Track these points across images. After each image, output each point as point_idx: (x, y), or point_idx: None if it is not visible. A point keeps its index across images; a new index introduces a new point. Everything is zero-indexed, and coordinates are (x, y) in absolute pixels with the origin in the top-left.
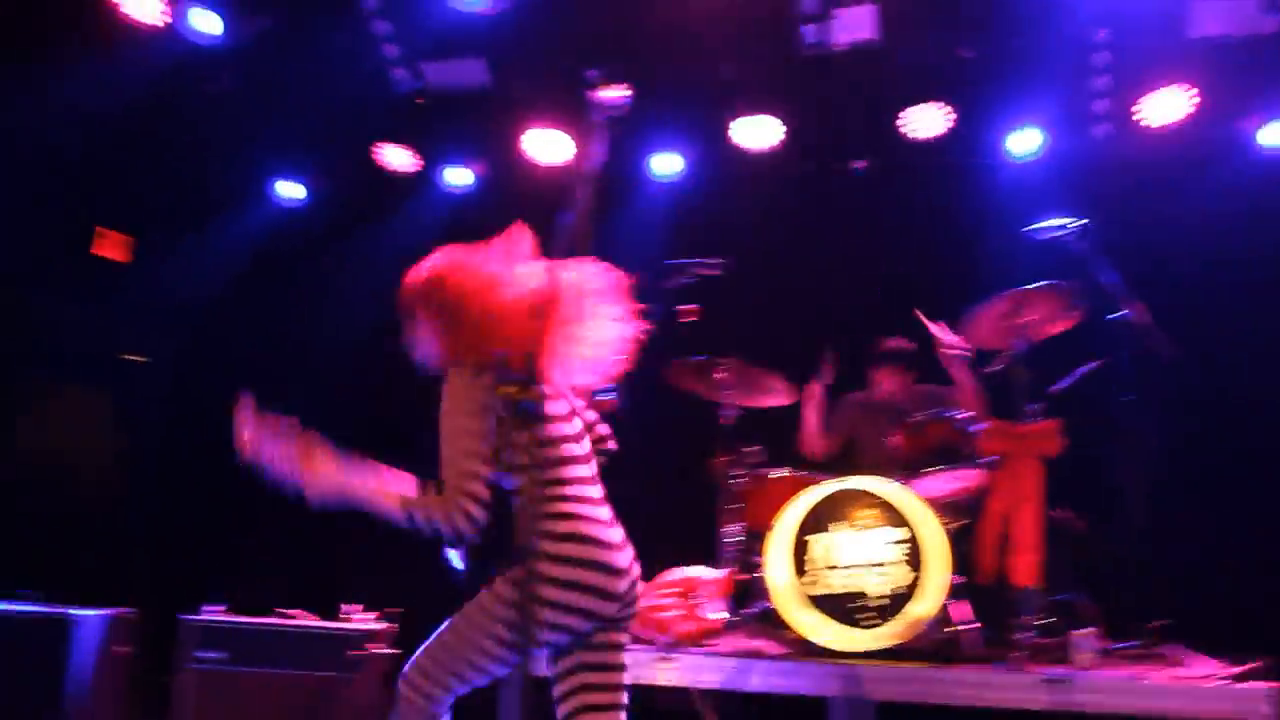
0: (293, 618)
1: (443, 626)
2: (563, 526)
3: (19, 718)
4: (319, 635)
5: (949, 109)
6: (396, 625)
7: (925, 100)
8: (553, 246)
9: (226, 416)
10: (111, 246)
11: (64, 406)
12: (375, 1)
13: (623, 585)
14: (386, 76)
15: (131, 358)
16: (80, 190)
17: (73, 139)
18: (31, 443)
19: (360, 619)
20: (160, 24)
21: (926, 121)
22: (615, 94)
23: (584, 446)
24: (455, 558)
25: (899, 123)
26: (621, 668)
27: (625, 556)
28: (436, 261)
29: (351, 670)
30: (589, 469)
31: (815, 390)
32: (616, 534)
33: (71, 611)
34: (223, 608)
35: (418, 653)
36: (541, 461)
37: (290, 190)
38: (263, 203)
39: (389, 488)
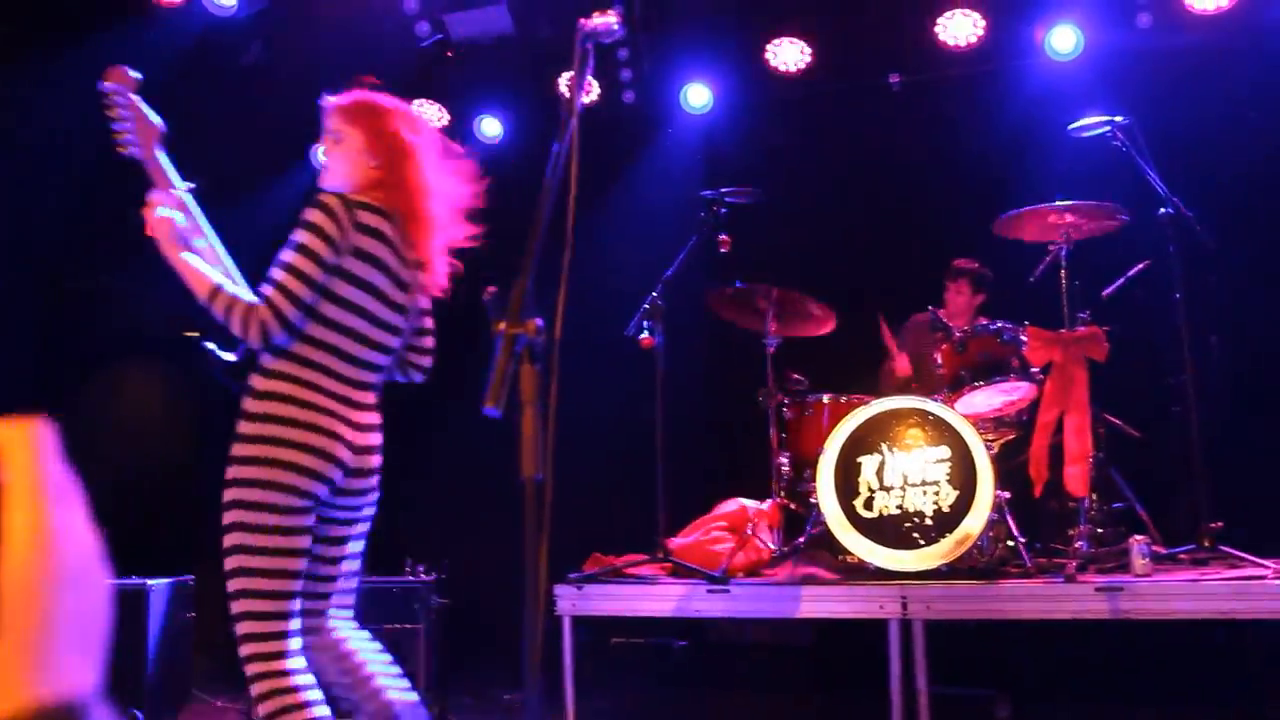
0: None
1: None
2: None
3: (106, 685)
4: (380, 590)
5: (980, 14)
6: (447, 576)
7: (957, 6)
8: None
9: None
10: None
11: (131, 383)
12: None
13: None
14: (410, 31)
15: (190, 334)
16: (126, 172)
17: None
18: (102, 419)
19: (419, 572)
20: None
21: (960, 28)
22: (603, 20)
23: (383, 336)
24: (219, 350)
25: (934, 31)
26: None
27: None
28: (387, 101)
29: (414, 622)
30: (369, 356)
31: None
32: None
33: (146, 581)
34: None
35: (238, 629)
36: (323, 319)
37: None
38: (304, 169)
39: (210, 273)
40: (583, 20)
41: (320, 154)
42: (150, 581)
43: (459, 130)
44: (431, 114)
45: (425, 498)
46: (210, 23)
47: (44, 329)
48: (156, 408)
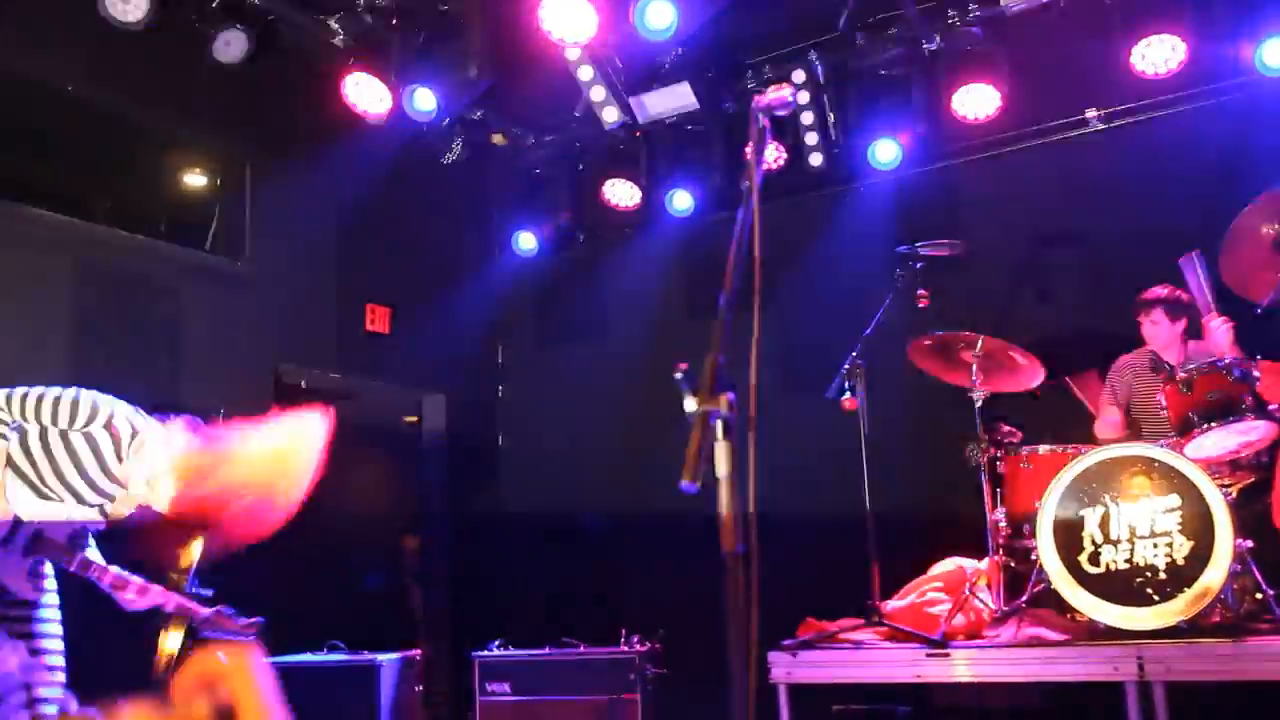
0: (572, 646)
1: None
2: None
3: None
4: (596, 661)
5: (1180, 37)
6: (662, 647)
7: (1153, 32)
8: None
9: (494, 463)
10: (377, 320)
11: (352, 472)
12: (577, 49)
13: None
14: (598, 117)
15: (408, 420)
16: (345, 272)
17: (332, 228)
18: (330, 508)
19: (632, 642)
20: (386, 111)
21: (1159, 55)
22: (777, 95)
23: None
24: None
25: (1130, 61)
26: None
27: None
28: None
29: (630, 692)
30: None
31: (1085, 377)
32: None
33: (376, 657)
34: (501, 642)
35: None
36: None
37: (527, 242)
38: (506, 257)
39: None
40: (758, 96)
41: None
42: (380, 657)
43: (651, 206)
44: (624, 192)
45: (640, 570)
46: (414, 128)
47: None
48: (382, 491)
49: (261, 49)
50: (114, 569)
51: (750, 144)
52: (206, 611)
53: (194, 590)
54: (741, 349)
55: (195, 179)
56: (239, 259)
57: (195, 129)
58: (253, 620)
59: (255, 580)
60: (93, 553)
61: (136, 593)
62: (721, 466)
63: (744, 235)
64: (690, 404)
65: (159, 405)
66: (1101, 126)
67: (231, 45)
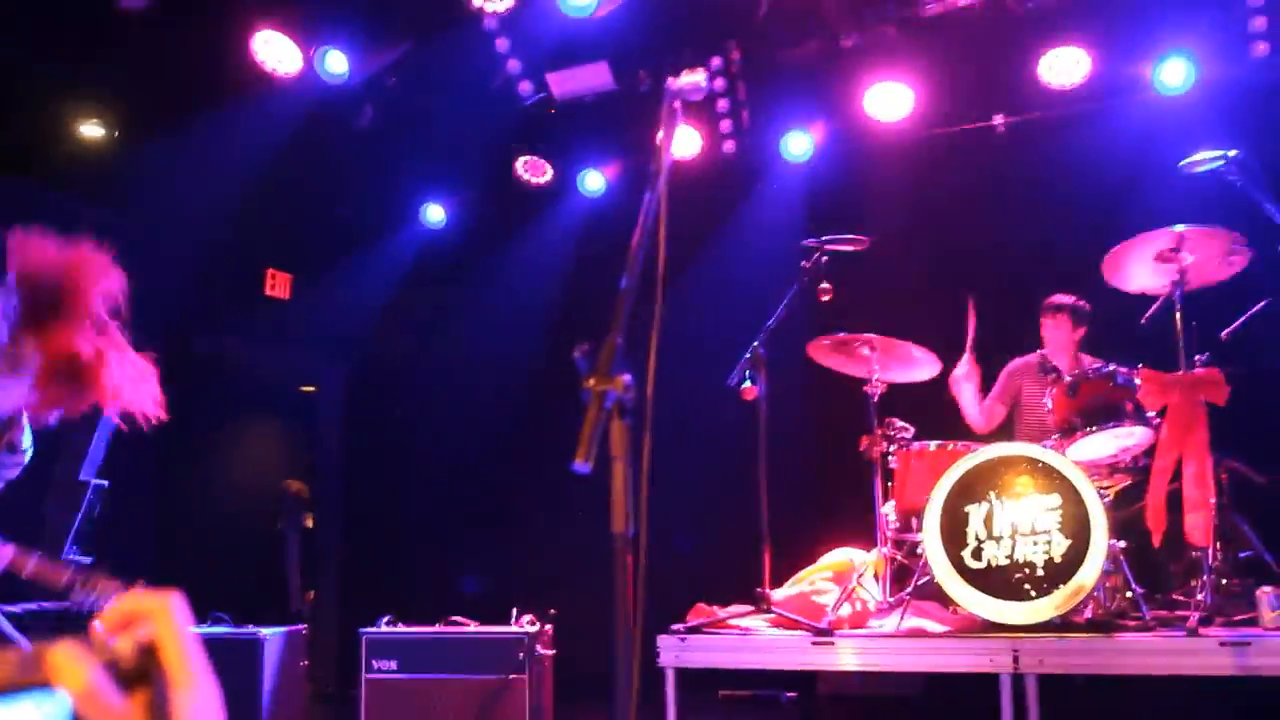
0: (462, 625)
1: None
2: None
3: None
4: (486, 640)
5: (1086, 51)
6: (552, 626)
7: (1061, 44)
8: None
9: (394, 438)
10: (277, 285)
11: (244, 439)
12: (494, 21)
13: None
14: (514, 91)
15: (305, 389)
16: (244, 236)
17: (232, 189)
18: (218, 475)
19: (523, 622)
20: (296, 71)
21: (1065, 66)
22: (691, 79)
23: None
24: None
25: (1037, 71)
26: None
27: None
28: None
29: (519, 672)
30: None
31: (965, 364)
32: None
33: (260, 631)
34: (390, 619)
35: None
36: None
37: (435, 213)
38: (411, 227)
39: None
40: (670, 80)
41: None
42: (264, 631)
43: (562, 184)
44: (536, 168)
45: (532, 549)
46: (326, 90)
47: (175, 388)
48: (274, 461)
49: None
50: None
51: (661, 127)
52: (68, 576)
53: (70, 557)
54: (643, 332)
55: (90, 129)
56: (130, 213)
57: (93, 77)
58: (127, 583)
59: (138, 548)
60: None
61: None
62: (615, 448)
63: (649, 218)
64: (587, 383)
65: None
66: (1006, 132)
67: None
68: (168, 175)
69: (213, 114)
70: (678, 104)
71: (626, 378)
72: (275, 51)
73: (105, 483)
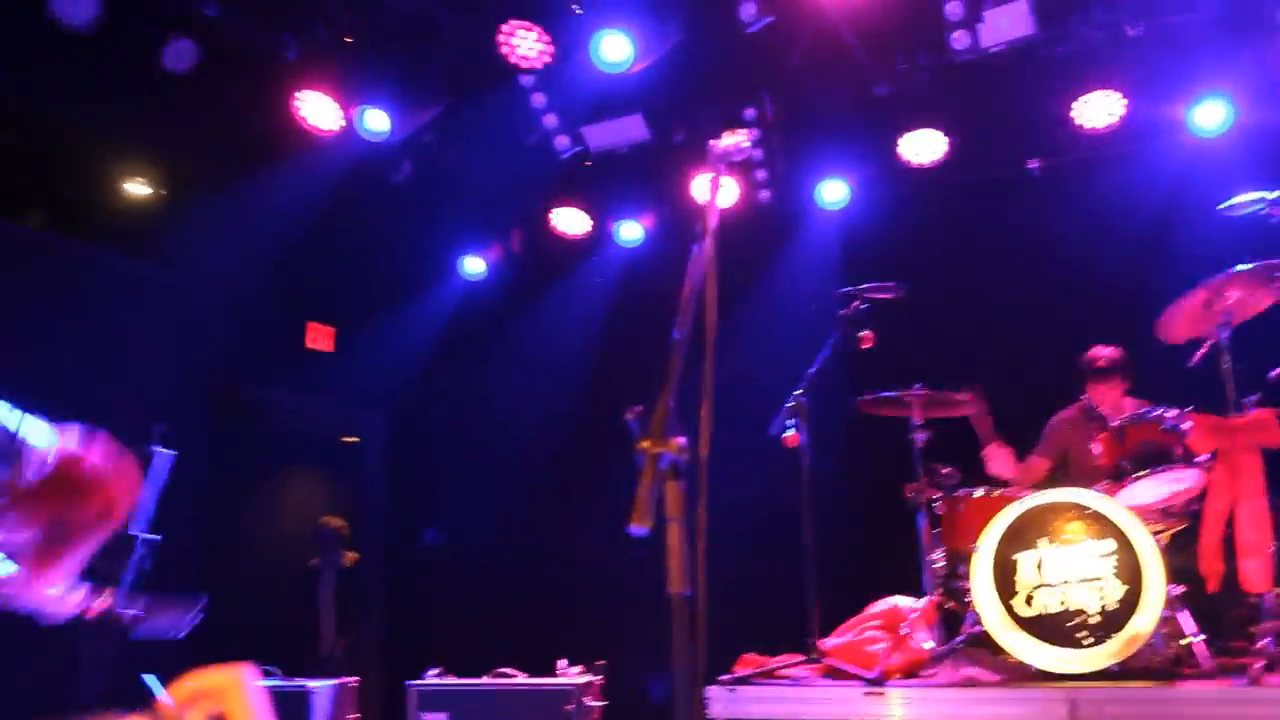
0: (510, 677)
1: None
2: None
3: None
4: (535, 692)
5: (1120, 94)
6: (603, 678)
7: (1095, 88)
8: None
9: (437, 487)
10: (319, 338)
11: (288, 490)
12: (531, 78)
13: None
14: (550, 145)
15: (347, 439)
16: (287, 289)
17: (275, 244)
18: (264, 526)
19: (571, 673)
20: (337, 129)
21: (1099, 110)
22: (734, 140)
23: None
24: None
25: (1070, 115)
26: None
27: None
28: None
29: None
30: None
31: (992, 450)
32: None
33: (309, 684)
34: (438, 671)
35: None
36: None
37: (474, 265)
38: (451, 280)
39: None
40: (713, 143)
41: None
42: (312, 684)
43: (599, 235)
44: (573, 219)
45: (582, 600)
46: (366, 147)
47: (222, 441)
48: (318, 512)
49: (212, 60)
50: None
51: (705, 187)
52: (132, 612)
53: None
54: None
55: (136, 187)
56: (177, 270)
57: (139, 136)
58: (189, 611)
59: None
60: None
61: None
62: (671, 509)
63: (698, 277)
64: (641, 446)
65: (85, 418)
66: (1041, 176)
67: (181, 54)
68: (212, 231)
69: (256, 171)
70: (723, 168)
71: (681, 440)
72: (316, 110)
73: (157, 537)
